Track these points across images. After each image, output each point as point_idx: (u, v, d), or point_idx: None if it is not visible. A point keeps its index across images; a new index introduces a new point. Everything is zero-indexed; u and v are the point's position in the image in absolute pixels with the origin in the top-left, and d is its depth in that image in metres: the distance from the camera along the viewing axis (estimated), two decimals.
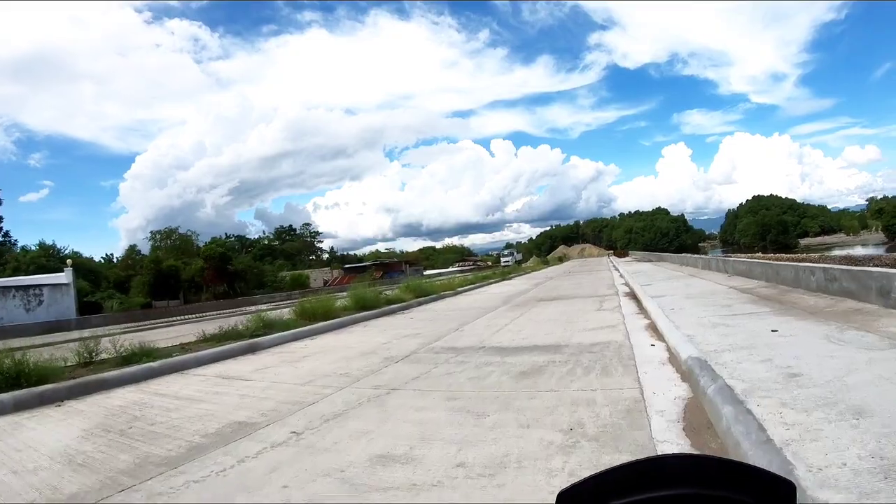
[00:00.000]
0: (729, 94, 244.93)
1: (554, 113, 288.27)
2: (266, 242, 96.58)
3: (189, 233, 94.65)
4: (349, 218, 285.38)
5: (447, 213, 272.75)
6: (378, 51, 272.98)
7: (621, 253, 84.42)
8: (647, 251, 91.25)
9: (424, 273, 70.02)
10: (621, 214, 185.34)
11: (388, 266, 71.18)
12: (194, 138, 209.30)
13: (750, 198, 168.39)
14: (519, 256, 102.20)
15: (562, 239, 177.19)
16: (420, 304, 18.35)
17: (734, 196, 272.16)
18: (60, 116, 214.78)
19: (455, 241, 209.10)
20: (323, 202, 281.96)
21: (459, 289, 23.62)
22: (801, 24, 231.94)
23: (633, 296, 14.06)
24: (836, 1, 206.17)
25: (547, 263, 65.61)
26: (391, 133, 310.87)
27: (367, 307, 16.27)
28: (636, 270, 26.09)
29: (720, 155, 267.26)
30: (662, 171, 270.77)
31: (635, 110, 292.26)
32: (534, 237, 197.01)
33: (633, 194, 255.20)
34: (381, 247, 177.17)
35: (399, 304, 17.31)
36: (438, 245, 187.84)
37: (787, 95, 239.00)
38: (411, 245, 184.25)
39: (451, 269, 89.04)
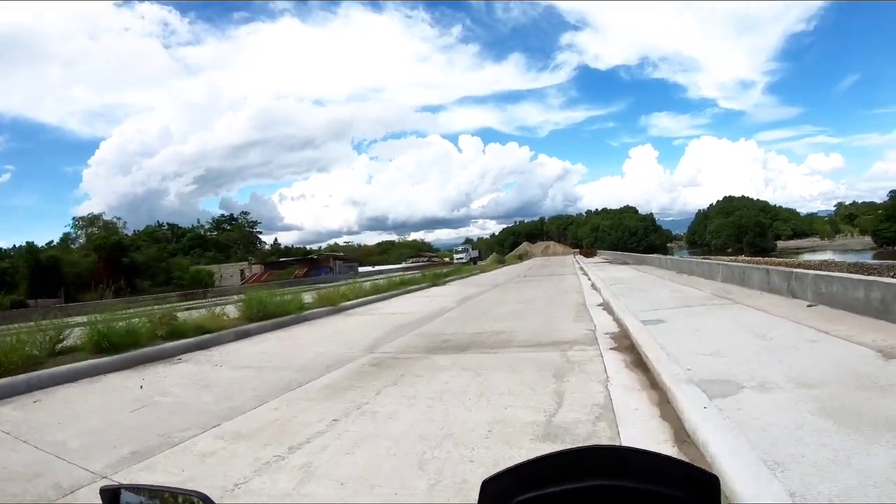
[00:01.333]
0: (697, 98, 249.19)
1: (524, 111, 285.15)
2: (201, 233, 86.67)
3: (115, 220, 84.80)
4: (315, 210, 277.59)
5: (413, 207, 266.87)
6: (350, 42, 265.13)
7: (588, 252, 76.21)
8: (615, 250, 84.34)
9: (360, 270, 61.87)
10: (588, 212, 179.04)
11: (314, 262, 61.70)
12: (161, 125, 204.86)
13: (721, 199, 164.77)
14: (475, 253, 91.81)
15: (525, 236, 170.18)
16: (239, 337, 10.22)
17: (698, 198, 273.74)
18: (26, 99, 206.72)
19: (421, 235, 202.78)
20: (289, 193, 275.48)
21: (347, 304, 15.50)
22: (771, 33, 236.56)
23: (631, 350, 6.14)
24: (808, 10, 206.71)
25: (503, 263, 56.82)
26: (360, 125, 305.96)
27: (122, 346, 8.28)
28: (615, 278, 18.30)
29: (686, 158, 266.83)
30: (629, 172, 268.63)
31: (604, 111, 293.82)
32: (496, 233, 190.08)
33: (599, 194, 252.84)
34: (346, 240, 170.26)
35: (180, 342, 9.13)
36: (402, 239, 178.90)
37: (755, 102, 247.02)
38: (376, 239, 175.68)
39: (398, 266, 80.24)
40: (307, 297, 14.89)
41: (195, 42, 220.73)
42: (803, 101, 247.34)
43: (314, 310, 13.53)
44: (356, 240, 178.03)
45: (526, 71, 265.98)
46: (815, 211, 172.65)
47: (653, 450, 0.83)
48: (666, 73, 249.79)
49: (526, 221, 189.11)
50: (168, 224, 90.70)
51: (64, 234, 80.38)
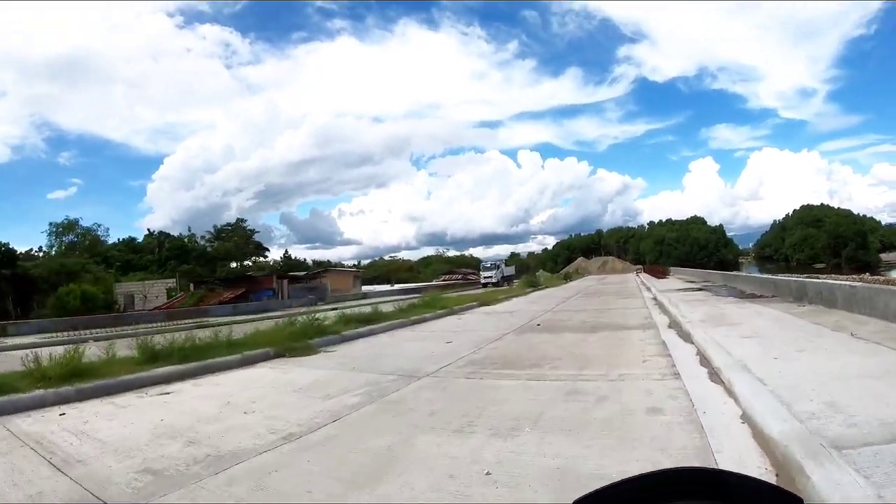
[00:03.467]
0: (758, 108, 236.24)
1: (581, 125, 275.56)
2: (187, 242, 74.54)
3: (95, 227, 73.84)
4: (374, 225, 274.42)
5: (472, 223, 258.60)
6: (407, 60, 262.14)
7: (658, 270, 57.24)
8: (684, 266, 67.21)
9: (364, 290, 46.87)
10: (651, 223, 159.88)
11: (254, 282, 45.52)
12: (222, 142, 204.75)
13: (798, 208, 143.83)
14: (510, 271, 70.26)
15: (581, 250, 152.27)
16: None
17: (760, 212, 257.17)
18: (91, 117, 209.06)
19: (479, 251, 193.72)
20: (348, 209, 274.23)
21: None
22: (830, 39, 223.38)
23: None
24: (867, 13, 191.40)
25: (535, 286, 38.72)
26: (418, 142, 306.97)
27: None
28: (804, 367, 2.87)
29: (748, 170, 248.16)
30: (689, 186, 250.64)
31: (663, 124, 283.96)
32: (549, 248, 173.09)
33: (659, 209, 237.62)
34: (404, 255, 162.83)
35: None
36: (441, 254, 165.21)
37: (816, 111, 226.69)
38: (431, 254, 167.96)
39: (421, 284, 64.73)
40: None
41: (255, 62, 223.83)
42: (866, 109, 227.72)
43: None
44: (415, 255, 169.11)
45: (583, 85, 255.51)
46: (882, 223, 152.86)
47: (745, 473, 0.85)
48: (725, 83, 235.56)
49: (582, 235, 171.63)
50: (160, 232, 79.28)
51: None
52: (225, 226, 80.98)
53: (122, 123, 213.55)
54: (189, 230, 79.07)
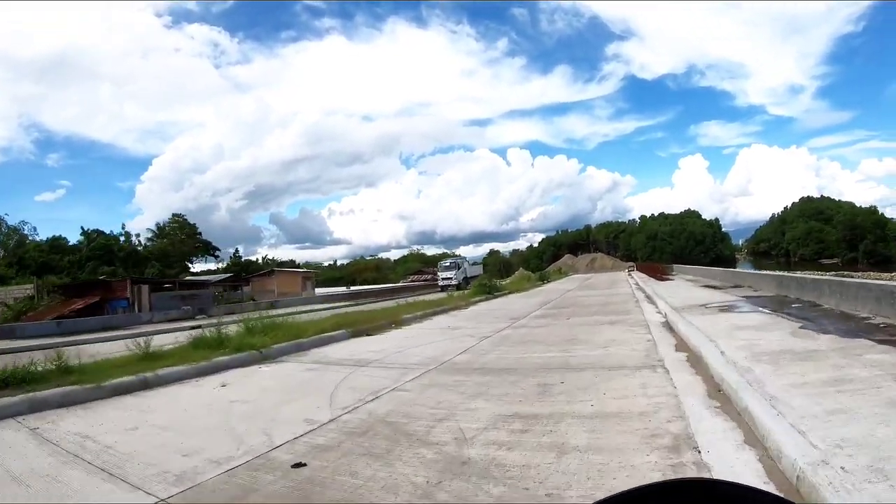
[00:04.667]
0: (746, 105, 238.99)
1: (571, 123, 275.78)
2: (121, 242, 65.05)
3: (21, 225, 65.05)
4: (364, 224, 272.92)
5: (462, 221, 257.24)
6: (396, 58, 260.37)
7: (656, 269, 45.07)
8: (678, 263, 60.14)
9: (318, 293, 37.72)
10: (643, 217, 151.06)
11: (106, 289, 33.17)
12: (211, 142, 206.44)
13: (798, 200, 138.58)
14: (475, 270, 58.68)
15: (569, 247, 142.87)
16: None
17: (749, 209, 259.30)
18: (80, 117, 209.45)
19: (469, 250, 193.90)
20: (338, 208, 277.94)
21: None
22: (819, 36, 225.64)
23: None
24: (855, 10, 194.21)
25: (489, 293, 26.94)
26: (408, 140, 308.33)
27: None
28: None
29: (737, 167, 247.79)
30: (678, 183, 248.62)
31: (652, 121, 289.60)
32: (535, 245, 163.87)
33: (648, 206, 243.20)
34: (395, 253, 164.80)
35: None
36: (416, 251, 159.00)
37: (805, 108, 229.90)
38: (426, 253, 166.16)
39: (370, 287, 55.35)
40: None
41: (244, 61, 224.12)
42: (854, 105, 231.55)
43: None
44: (404, 254, 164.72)
45: (573, 83, 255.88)
46: None
47: (750, 484, 0.87)
48: (714, 80, 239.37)
49: (570, 231, 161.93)
50: (94, 230, 69.82)
51: None
52: (168, 223, 71.81)
53: (110, 124, 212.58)
54: (123, 228, 69.94)
